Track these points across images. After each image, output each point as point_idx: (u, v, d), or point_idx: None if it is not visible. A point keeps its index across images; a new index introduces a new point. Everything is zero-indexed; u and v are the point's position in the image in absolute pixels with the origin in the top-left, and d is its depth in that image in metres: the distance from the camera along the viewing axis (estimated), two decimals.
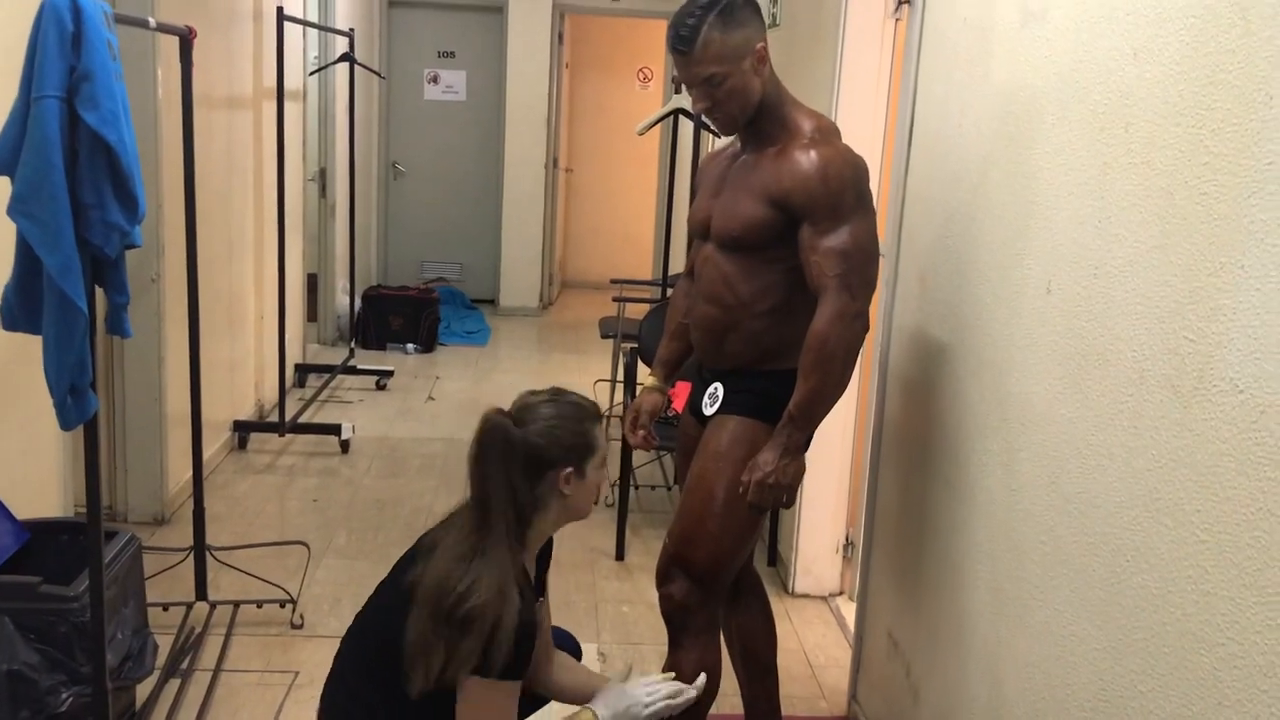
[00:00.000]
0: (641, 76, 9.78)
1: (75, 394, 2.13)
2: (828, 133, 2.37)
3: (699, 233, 2.54)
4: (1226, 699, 1.38)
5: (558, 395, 2.05)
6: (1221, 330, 1.42)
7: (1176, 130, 1.54)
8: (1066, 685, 1.81)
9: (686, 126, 5.35)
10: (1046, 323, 1.94)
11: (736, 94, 2.31)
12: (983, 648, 2.18)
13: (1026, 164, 2.05)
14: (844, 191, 2.26)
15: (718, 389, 2.49)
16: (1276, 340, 1.31)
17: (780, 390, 2.36)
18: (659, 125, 5.63)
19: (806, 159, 2.28)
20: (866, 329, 2.32)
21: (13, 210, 2.04)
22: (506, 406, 2.03)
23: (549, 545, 2.21)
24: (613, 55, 9.79)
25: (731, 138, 2.53)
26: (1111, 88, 1.73)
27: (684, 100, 5.05)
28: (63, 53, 2.00)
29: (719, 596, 2.52)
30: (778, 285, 2.38)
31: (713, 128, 4.52)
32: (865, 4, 3.42)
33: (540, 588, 2.17)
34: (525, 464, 1.95)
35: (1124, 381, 1.66)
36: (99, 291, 2.29)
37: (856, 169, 2.31)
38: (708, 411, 2.50)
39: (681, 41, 2.28)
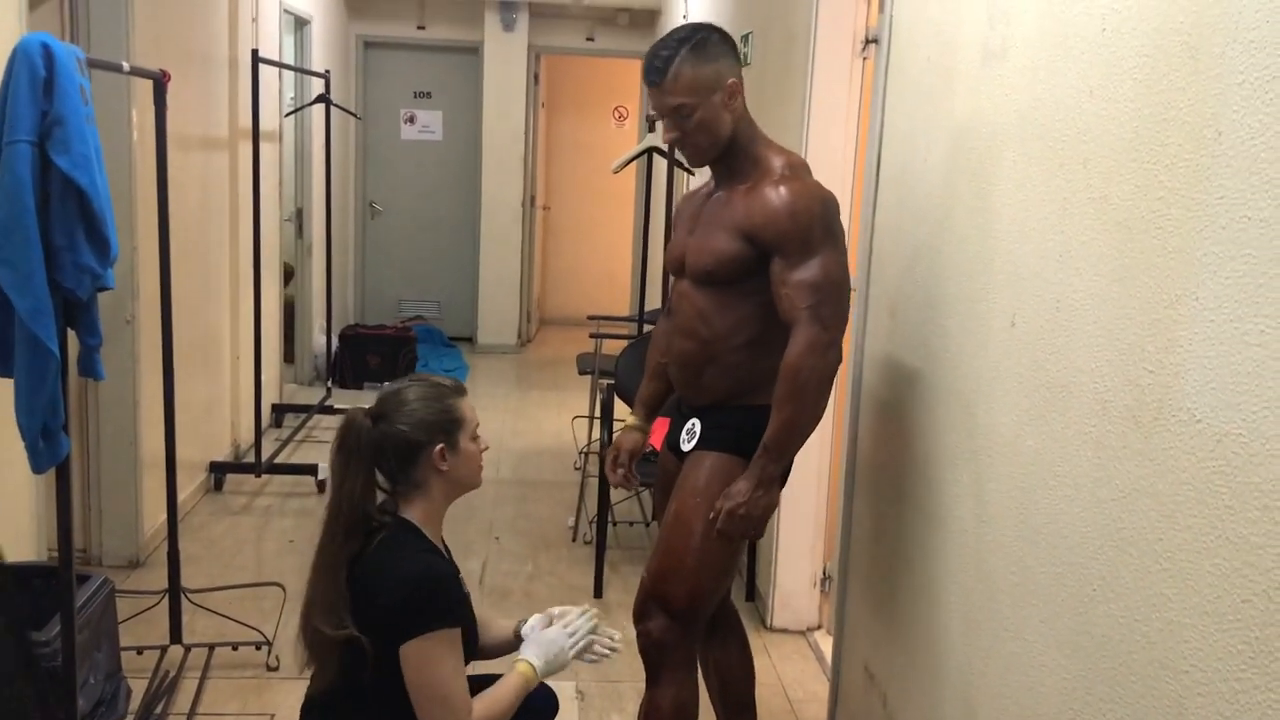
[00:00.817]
0: (617, 115, 9.85)
1: (47, 436, 2.13)
2: (798, 169, 2.41)
3: (675, 269, 2.57)
4: None
5: (417, 380, 2.15)
6: (1179, 361, 1.45)
7: (1132, 166, 1.58)
8: (1038, 715, 1.82)
9: (661, 164, 5.40)
10: (1011, 355, 1.96)
11: (705, 127, 2.36)
12: (956, 678, 2.18)
13: (989, 199, 2.09)
14: (812, 225, 2.30)
15: (695, 425, 2.51)
16: (1230, 370, 1.34)
17: (758, 425, 2.37)
18: (634, 163, 5.68)
19: (776, 195, 2.33)
20: (839, 360, 2.34)
21: None
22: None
23: None
24: (588, 94, 9.87)
25: (707, 177, 2.56)
26: (1070, 125, 1.77)
27: (658, 138, 5.09)
28: (34, 98, 2.02)
29: (696, 633, 2.52)
30: (753, 319, 2.41)
31: (684, 163, 4.56)
32: (833, 43, 3.47)
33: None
34: (393, 455, 2.05)
35: (1087, 413, 1.68)
36: (71, 334, 2.29)
37: (825, 203, 2.34)
38: (685, 447, 2.51)
39: (654, 72, 2.35)
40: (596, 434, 5.30)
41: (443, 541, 2.19)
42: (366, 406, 2.11)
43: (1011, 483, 1.95)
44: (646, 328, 5.17)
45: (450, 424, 2.08)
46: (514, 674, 2.14)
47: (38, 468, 2.17)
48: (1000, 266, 2.02)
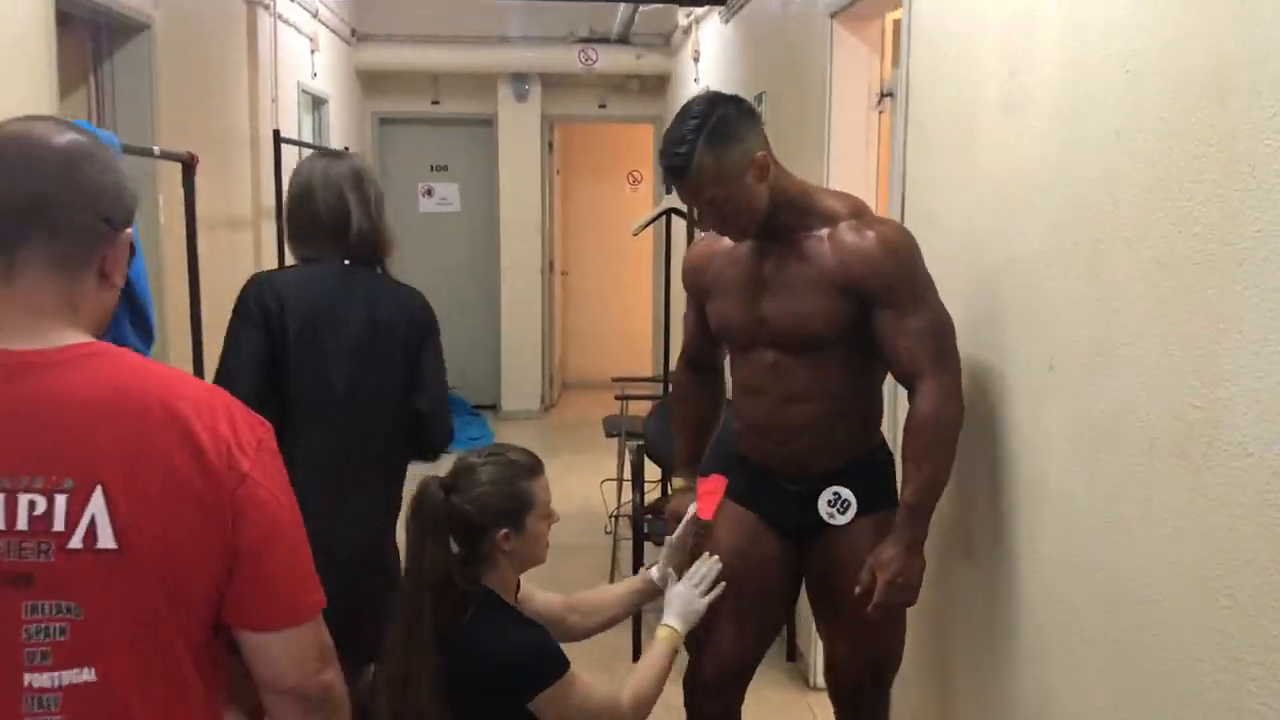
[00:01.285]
0: (631, 179, 9.94)
1: None
2: (865, 210, 2.29)
3: (741, 340, 2.38)
4: None
5: (494, 455, 2.10)
6: (1226, 396, 1.44)
7: (1166, 204, 1.59)
8: None
9: (679, 224, 5.44)
10: (1052, 398, 1.96)
11: (743, 209, 2.20)
12: None
13: (1020, 245, 2.09)
14: (916, 266, 2.20)
15: (844, 493, 2.32)
16: None
17: (887, 470, 2.33)
18: (652, 224, 5.73)
19: (866, 241, 2.18)
20: (964, 406, 2.21)
21: None
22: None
23: None
24: (602, 160, 9.97)
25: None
26: (1098, 168, 1.78)
27: (675, 200, 5.13)
28: None
29: None
30: (859, 370, 2.30)
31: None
32: (849, 99, 3.51)
33: None
34: (460, 531, 2.02)
35: (1134, 451, 1.67)
36: None
37: (915, 241, 2.24)
38: (840, 520, 2.33)
39: (675, 172, 2.18)
40: (626, 496, 5.28)
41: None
42: (440, 475, 2.07)
43: (1060, 527, 1.94)
44: (671, 387, 5.17)
45: (518, 509, 2.05)
46: (658, 642, 2.19)
47: None
48: (1035, 311, 2.03)
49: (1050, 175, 1.95)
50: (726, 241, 2.41)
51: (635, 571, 4.14)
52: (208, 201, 4.51)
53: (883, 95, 3.46)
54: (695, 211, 2.31)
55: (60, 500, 1.15)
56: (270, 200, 5.35)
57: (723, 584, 2.26)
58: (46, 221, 1.20)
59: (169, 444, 1.18)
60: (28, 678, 1.16)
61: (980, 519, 2.32)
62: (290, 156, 5.81)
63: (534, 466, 2.12)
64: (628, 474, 4.82)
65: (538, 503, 2.08)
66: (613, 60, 8.07)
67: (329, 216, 2.45)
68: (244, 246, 5.17)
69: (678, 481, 2.67)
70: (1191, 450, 1.52)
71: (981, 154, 2.28)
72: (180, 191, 3.24)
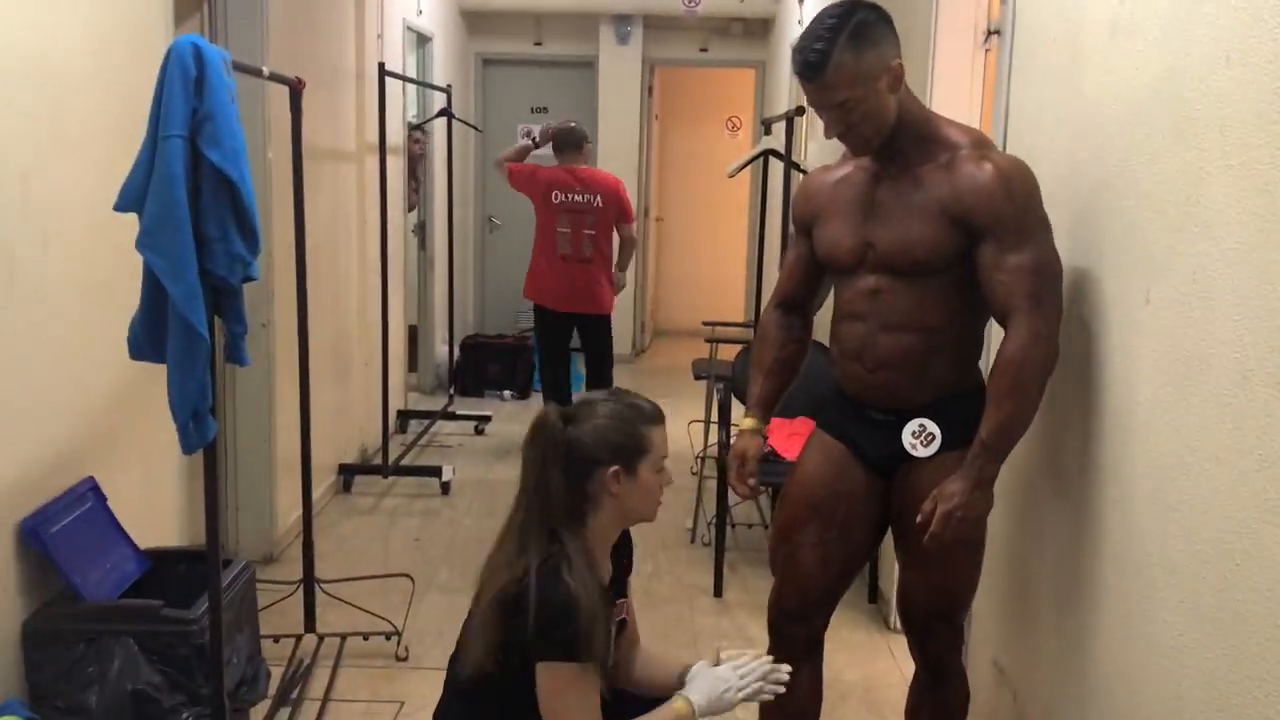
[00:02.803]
0: (730, 125, 9.88)
1: (196, 419, 2.24)
2: (987, 144, 2.25)
3: (847, 263, 2.35)
4: None
5: (616, 396, 2.06)
6: None
7: (1273, 129, 1.54)
8: (1179, 696, 1.77)
9: (777, 168, 5.40)
10: (1146, 331, 1.93)
11: (872, 116, 2.17)
12: (1091, 665, 2.14)
13: (1120, 175, 2.05)
14: (1029, 204, 2.15)
15: (929, 425, 2.30)
16: None
17: (978, 408, 2.21)
18: (748, 170, 5.70)
19: (983, 172, 2.15)
20: (1058, 352, 2.16)
21: (141, 244, 2.17)
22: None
23: (628, 547, 2.20)
24: (701, 105, 9.92)
25: (836, 157, 2.48)
26: (1204, 93, 1.73)
27: (774, 141, 5.10)
28: (186, 95, 2.13)
29: None
30: (966, 304, 2.26)
31: (800, 166, 4.53)
32: (954, 37, 3.45)
33: (620, 588, 2.17)
34: (571, 461, 1.97)
35: (1227, 383, 1.64)
36: (218, 322, 2.40)
37: (1035, 179, 2.18)
38: (922, 452, 2.30)
39: (810, 68, 2.13)
40: (713, 438, 5.31)
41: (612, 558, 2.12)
42: (561, 409, 2.04)
43: (1148, 461, 1.91)
44: (758, 327, 5.15)
45: (633, 449, 1.99)
46: (668, 709, 2.01)
47: (188, 448, 2.27)
48: (1134, 242, 1.99)
49: (1155, 102, 1.90)
50: (841, 171, 2.41)
51: (719, 510, 4.19)
52: (314, 133, 4.61)
53: (989, 33, 3.39)
54: (821, 122, 2.25)
55: (599, 198, 5.56)
56: (374, 135, 5.44)
57: (771, 688, 2.08)
58: (584, 142, 5.70)
59: (614, 186, 5.67)
60: (585, 232, 5.56)
61: (1069, 453, 2.29)
62: (394, 93, 5.90)
63: (655, 415, 2.06)
64: (715, 416, 4.85)
65: (653, 450, 2.02)
66: (716, 2, 8.00)
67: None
68: (347, 177, 5.28)
69: (746, 422, 2.58)
70: None
71: (1085, 81, 2.24)
72: (288, 117, 3.32)
